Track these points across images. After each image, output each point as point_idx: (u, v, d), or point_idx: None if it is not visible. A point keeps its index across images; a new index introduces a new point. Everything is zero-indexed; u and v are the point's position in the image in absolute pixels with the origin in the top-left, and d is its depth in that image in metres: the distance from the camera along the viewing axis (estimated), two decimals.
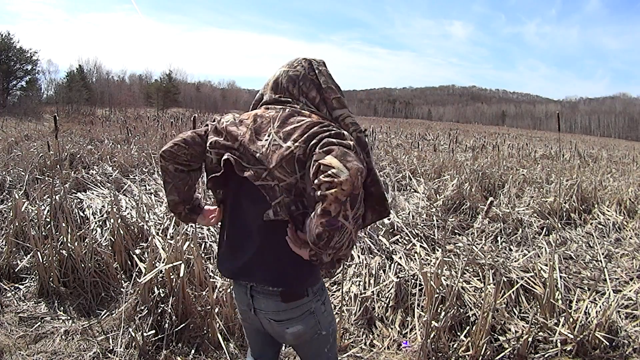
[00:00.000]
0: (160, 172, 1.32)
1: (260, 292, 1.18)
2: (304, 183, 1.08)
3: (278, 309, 1.18)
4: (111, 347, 2.28)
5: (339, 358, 2.22)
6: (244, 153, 1.14)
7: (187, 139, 1.23)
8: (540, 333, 2.37)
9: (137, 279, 2.54)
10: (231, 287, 2.41)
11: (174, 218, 3.71)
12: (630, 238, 4.46)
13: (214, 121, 1.26)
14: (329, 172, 0.93)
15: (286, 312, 1.18)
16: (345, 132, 1.09)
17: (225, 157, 1.15)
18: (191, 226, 3.15)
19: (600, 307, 2.50)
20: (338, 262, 1.09)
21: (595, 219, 5.09)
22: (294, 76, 1.21)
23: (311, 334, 1.22)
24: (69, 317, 2.59)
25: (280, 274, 1.15)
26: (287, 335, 1.21)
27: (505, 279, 2.76)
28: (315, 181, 0.96)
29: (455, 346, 2.28)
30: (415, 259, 3.13)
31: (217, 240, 1.36)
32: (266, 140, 1.12)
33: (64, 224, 2.90)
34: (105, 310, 2.65)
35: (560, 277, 2.83)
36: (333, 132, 1.07)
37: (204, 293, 2.47)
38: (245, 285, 1.21)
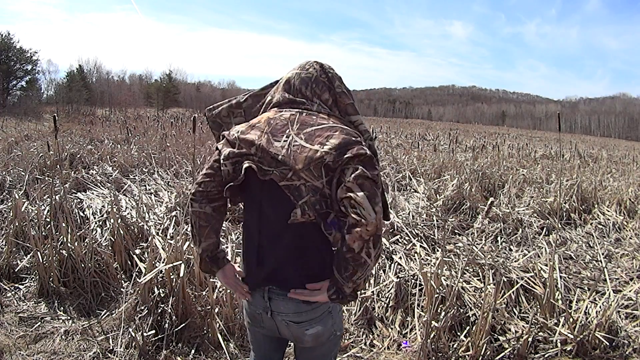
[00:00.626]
0: (191, 218, 1.24)
1: (279, 294, 1.17)
2: (329, 188, 1.09)
3: (299, 310, 1.17)
4: (111, 347, 2.28)
5: (339, 358, 2.23)
6: (263, 157, 1.12)
7: (209, 172, 1.21)
8: (540, 333, 2.37)
9: (137, 279, 2.54)
10: None
11: (174, 218, 3.72)
12: (630, 238, 4.46)
13: (222, 137, 1.24)
14: (358, 211, 0.99)
15: (307, 313, 1.17)
16: (374, 156, 1.10)
17: (245, 165, 1.13)
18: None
19: (600, 307, 2.50)
20: (357, 295, 1.16)
21: (595, 219, 5.09)
22: (306, 78, 1.21)
23: (328, 334, 1.22)
24: (69, 317, 2.59)
25: (305, 275, 1.15)
26: (306, 337, 1.20)
27: (505, 279, 2.76)
28: (343, 209, 1.04)
29: (455, 346, 2.28)
30: (415, 259, 3.13)
31: (242, 251, 1.31)
32: (285, 141, 1.11)
33: (64, 224, 2.91)
34: (105, 310, 2.65)
35: (560, 277, 2.83)
36: (367, 154, 1.06)
37: (204, 293, 2.47)
38: (263, 288, 1.20)
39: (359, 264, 1.03)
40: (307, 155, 1.07)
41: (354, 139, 1.09)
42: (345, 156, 1.05)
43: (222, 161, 1.18)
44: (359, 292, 1.17)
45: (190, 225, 1.27)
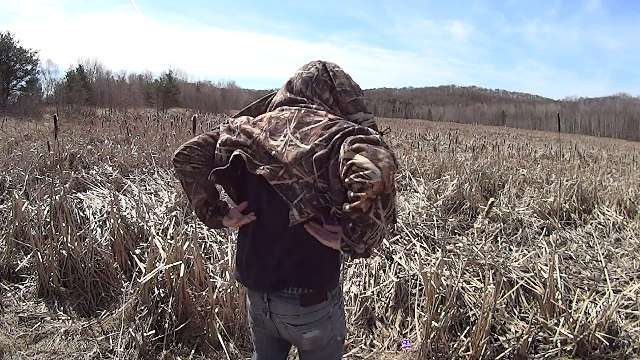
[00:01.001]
0: (177, 177, 1.27)
1: (278, 296, 1.17)
2: (322, 181, 1.06)
3: (297, 313, 1.16)
4: (111, 347, 2.28)
5: None
6: (257, 151, 1.12)
7: (200, 141, 1.22)
8: (540, 333, 2.37)
9: (137, 279, 2.54)
10: (231, 288, 2.42)
11: (174, 218, 3.72)
12: (630, 238, 4.46)
13: (226, 122, 1.24)
14: (361, 173, 0.92)
15: (305, 316, 1.16)
16: (369, 128, 1.07)
17: (236, 152, 1.13)
18: (191, 226, 3.15)
19: (600, 307, 2.50)
20: (371, 251, 1.10)
21: (595, 219, 5.09)
22: (307, 78, 1.20)
23: (327, 339, 1.21)
24: (69, 317, 2.59)
25: (304, 277, 1.14)
26: (303, 341, 1.19)
27: (505, 279, 2.76)
28: (346, 180, 0.96)
29: (455, 346, 2.28)
30: (415, 259, 3.13)
31: (236, 248, 1.31)
32: (282, 140, 1.10)
33: (64, 224, 2.90)
34: (105, 310, 2.65)
35: (560, 277, 2.83)
36: (356, 127, 1.05)
37: (204, 293, 2.47)
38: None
39: (367, 225, 0.97)
40: (298, 151, 1.06)
41: (344, 125, 1.06)
42: (335, 137, 1.03)
43: (218, 146, 1.20)
44: (372, 250, 1.09)
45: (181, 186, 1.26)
